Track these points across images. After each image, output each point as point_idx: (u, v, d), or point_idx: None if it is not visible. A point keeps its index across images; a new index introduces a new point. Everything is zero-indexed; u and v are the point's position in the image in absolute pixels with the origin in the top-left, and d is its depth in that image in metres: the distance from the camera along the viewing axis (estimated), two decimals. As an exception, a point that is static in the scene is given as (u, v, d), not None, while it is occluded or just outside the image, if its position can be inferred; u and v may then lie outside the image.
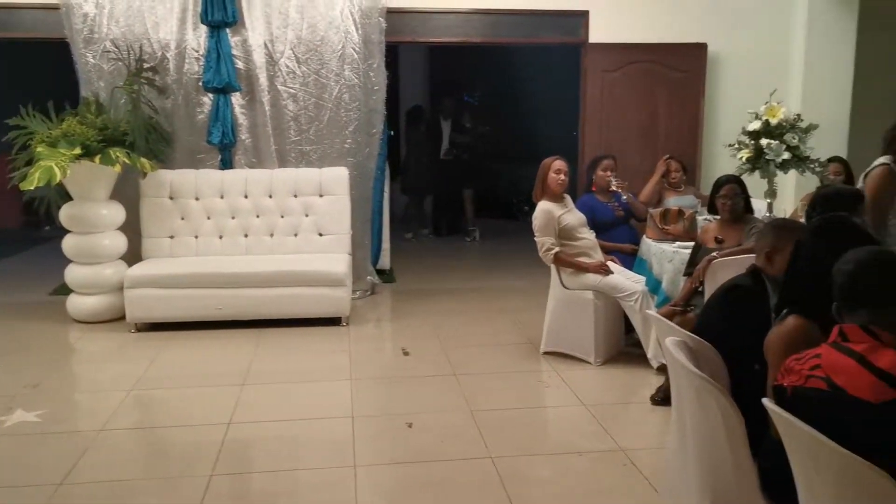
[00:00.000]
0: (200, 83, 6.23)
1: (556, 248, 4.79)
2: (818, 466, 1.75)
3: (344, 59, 6.38)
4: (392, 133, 8.09)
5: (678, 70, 6.92)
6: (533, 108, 10.87)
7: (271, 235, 6.22)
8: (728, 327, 2.54)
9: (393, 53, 7.35)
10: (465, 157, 9.62)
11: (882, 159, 3.16)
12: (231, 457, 3.59)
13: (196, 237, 6.16)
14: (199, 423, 3.97)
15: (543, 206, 4.85)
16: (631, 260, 5.21)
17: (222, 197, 6.21)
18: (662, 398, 4.06)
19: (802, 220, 3.97)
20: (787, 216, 5.08)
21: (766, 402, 1.90)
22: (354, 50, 6.39)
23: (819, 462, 1.75)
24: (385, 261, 7.20)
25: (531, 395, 4.48)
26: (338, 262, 5.85)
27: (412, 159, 9.57)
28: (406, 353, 5.11)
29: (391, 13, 6.51)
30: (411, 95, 10.77)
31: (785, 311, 2.30)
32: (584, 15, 6.87)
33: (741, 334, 2.52)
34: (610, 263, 4.89)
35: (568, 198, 5.01)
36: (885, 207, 3.05)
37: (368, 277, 6.73)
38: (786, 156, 4.78)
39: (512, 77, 10.99)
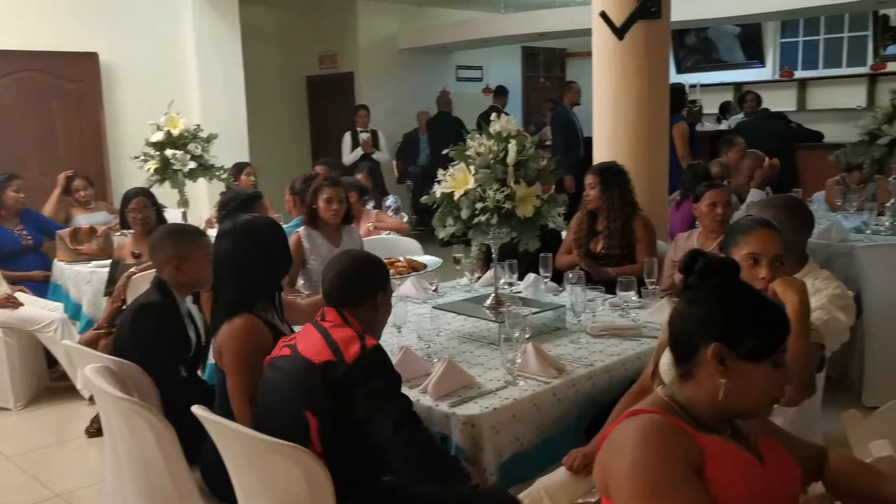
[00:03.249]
0: None
1: (-54, 287, 4.09)
2: (246, 456, 1.86)
3: None
4: None
5: (71, 80, 6.54)
6: None
7: None
8: (145, 345, 2.49)
9: None
10: None
11: None
12: None
13: None
14: None
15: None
16: (44, 288, 4.77)
17: None
18: (98, 428, 3.80)
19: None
20: (204, 222, 5.28)
21: (195, 409, 1.93)
22: None
23: (245, 452, 1.85)
24: None
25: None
26: None
27: None
28: None
29: None
30: None
31: (229, 313, 2.33)
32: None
33: (160, 348, 2.50)
34: (19, 294, 4.41)
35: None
36: None
37: None
38: (192, 165, 4.94)
39: None
